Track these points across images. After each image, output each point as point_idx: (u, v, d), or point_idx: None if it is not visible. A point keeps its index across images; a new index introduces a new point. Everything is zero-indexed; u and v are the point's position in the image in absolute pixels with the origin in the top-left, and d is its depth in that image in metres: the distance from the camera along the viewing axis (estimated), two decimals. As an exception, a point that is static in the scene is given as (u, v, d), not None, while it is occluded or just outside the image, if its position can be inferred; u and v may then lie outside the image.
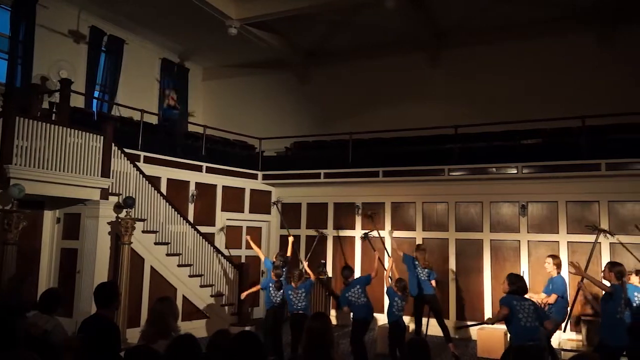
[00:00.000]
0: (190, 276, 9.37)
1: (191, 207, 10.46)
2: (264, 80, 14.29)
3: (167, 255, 9.10)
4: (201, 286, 9.53)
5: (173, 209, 9.36)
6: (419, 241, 10.17)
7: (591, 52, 10.89)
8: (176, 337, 3.47)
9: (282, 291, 7.57)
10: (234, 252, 10.99)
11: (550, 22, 11.10)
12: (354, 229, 11.12)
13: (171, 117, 10.95)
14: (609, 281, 5.74)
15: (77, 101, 10.36)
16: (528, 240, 9.61)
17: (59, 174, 7.54)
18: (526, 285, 5.27)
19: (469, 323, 9.20)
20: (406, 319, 7.93)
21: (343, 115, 12.77)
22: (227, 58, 14.21)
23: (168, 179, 10.06)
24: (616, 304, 5.59)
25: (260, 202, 11.78)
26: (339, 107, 13.06)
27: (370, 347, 8.21)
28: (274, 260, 8.09)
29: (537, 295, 7.07)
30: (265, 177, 11.78)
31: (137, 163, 9.08)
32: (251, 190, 11.67)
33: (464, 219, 10.19)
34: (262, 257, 8.80)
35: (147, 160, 9.63)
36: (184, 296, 9.19)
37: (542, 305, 6.79)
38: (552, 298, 6.86)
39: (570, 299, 7.75)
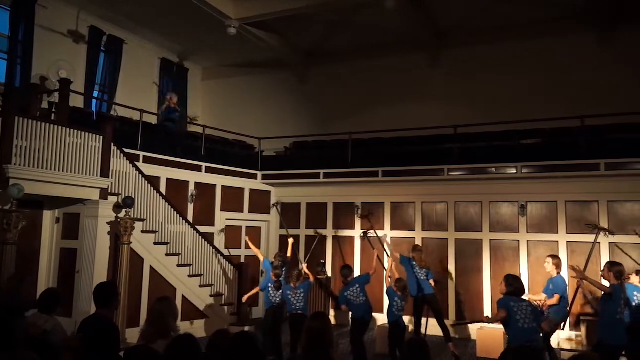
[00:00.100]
0: (189, 276, 9.37)
1: (191, 207, 10.45)
2: (264, 80, 14.29)
3: (167, 255, 9.10)
4: (201, 286, 9.53)
5: (172, 209, 9.36)
6: (418, 241, 10.17)
7: (591, 52, 10.88)
8: (175, 337, 3.48)
9: (281, 291, 7.57)
10: (234, 252, 10.98)
11: (550, 22, 11.11)
12: (354, 229, 11.11)
13: (173, 118, 10.94)
14: (608, 281, 5.75)
15: (77, 101, 10.35)
16: (527, 240, 9.60)
17: (58, 174, 7.53)
18: (523, 287, 5.27)
19: (467, 321, 9.23)
20: (406, 319, 7.93)
21: (342, 115, 12.76)
22: (226, 58, 14.21)
23: (167, 178, 10.05)
24: (616, 304, 5.60)
25: (260, 202, 11.78)
26: (339, 107, 13.06)
27: (370, 347, 8.21)
28: (273, 260, 8.10)
29: (537, 297, 7.07)
30: (264, 177, 11.77)
31: (136, 163, 9.07)
32: (250, 190, 11.67)
33: (464, 219, 10.18)
34: (261, 258, 8.79)
35: (147, 160, 9.62)
36: (183, 296, 9.19)
37: (543, 307, 6.80)
38: (555, 299, 6.85)
39: (569, 298, 7.75)
